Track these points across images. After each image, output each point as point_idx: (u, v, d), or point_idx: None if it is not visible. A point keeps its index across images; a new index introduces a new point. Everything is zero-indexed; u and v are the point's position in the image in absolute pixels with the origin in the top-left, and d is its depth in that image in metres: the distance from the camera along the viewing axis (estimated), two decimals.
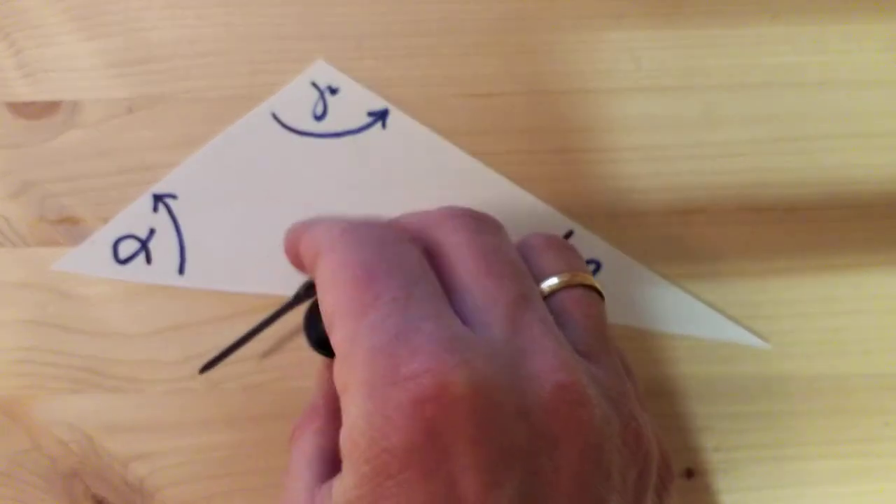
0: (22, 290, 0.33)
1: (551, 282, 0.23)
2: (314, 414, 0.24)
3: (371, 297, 0.20)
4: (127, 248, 0.33)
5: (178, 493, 0.33)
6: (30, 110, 0.34)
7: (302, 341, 0.32)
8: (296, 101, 0.34)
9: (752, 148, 0.34)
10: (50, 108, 0.34)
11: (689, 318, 0.33)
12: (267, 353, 0.33)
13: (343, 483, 0.19)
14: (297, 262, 0.26)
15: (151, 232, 0.33)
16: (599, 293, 0.24)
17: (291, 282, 0.32)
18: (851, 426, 0.33)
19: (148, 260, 0.33)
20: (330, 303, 0.21)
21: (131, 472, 0.33)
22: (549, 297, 0.23)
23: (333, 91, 0.34)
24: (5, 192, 0.34)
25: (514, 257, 0.23)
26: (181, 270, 0.33)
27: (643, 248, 0.33)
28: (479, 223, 0.23)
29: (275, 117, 0.34)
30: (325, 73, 0.34)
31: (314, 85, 0.34)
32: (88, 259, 0.33)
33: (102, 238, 0.33)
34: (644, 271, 0.33)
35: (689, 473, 0.33)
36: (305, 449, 0.23)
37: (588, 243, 0.33)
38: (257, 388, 0.33)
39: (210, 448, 0.33)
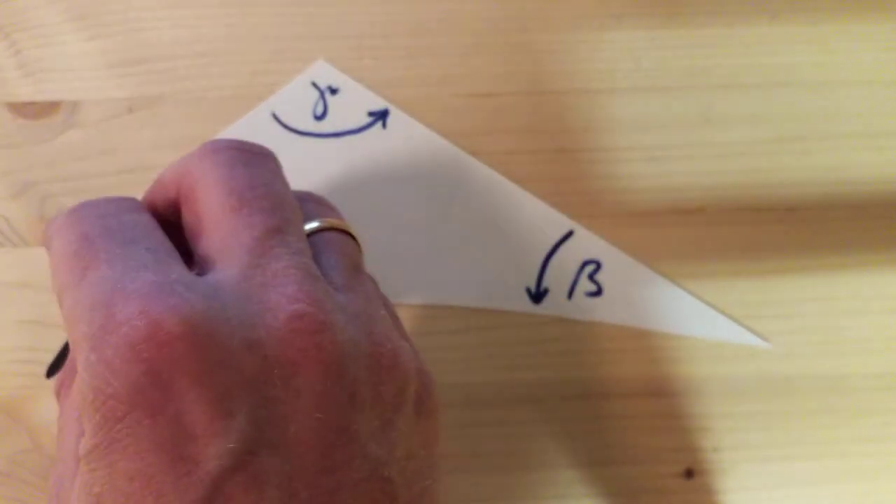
0: (22, 290, 0.33)
1: (310, 225, 0.23)
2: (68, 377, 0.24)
3: (88, 261, 0.20)
4: None
5: None
6: (30, 110, 0.34)
7: None
8: (296, 101, 0.34)
9: (751, 148, 0.34)
10: (50, 108, 0.34)
11: (688, 318, 0.33)
12: None
13: (83, 439, 0.19)
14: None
15: None
16: (355, 239, 0.24)
17: None
18: (851, 426, 0.33)
19: None
20: (56, 284, 0.21)
21: None
22: (312, 235, 0.23)
23: (334, 91, 0.34)
24: (5, 192, 0.34)
25: (275, 189, 0.22)
26: None
27: (643, 248, 0.33)
28: (239, 154, 0.23)
29: (275, 117, 0.34)
30: (325, 73, 0.34)
31: (314, 85, 0.34)
32: None
33: None
34: (644, 271, 0.33)
35: (689, 473, 0.33)
36: (69, 408, 0.22)
37: (588, 243, 0.33)
38: None
39: None
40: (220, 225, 0.21)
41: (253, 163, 0.23)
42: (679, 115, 0.34)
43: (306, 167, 0.33)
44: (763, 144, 0.34)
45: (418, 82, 0.34)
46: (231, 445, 0.18)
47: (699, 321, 0.33)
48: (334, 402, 0.19)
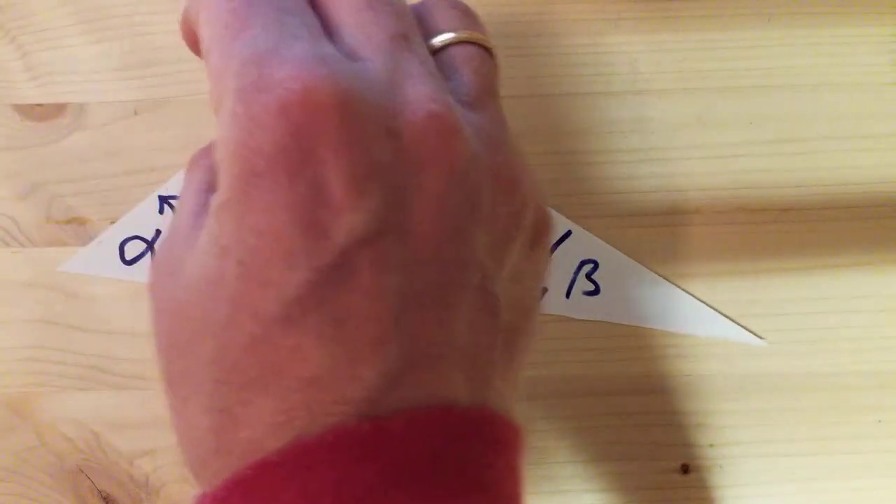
0: (30, 290, 0.34)
1: (444, 37, 0.22)
2: (209, 150, 0.23)
3: (245, 20, 0.19)
4: (133, 249, 0.34)
5: (183, 489, 0.33)
6: (37, 112, 0.34)
7: None
8: None
9: (747, 150, 0.34)
10: (57, 110, 0.34)
11: (685, 317, 0.33)
12: None
13: (218, 191, 0.19)
14: (191, 38, 0.24)
15: (158, 233, 0.33)
16: (492, 55, 0.24)
17: None
18: (845, 423, 0.34)
19: None
20: (206, 37, 0.20)
21: (137, 468, 0.33)
22: (438, 52, 0.22)
23: None
24: (13, 194, 0.34)
25: (397, 2, 0.22)
26: None
27: (640, 248, 0.34)
28: None
29: None
30: None
31: None
32: (95, 260, 0.34)
33: (109, 239, 0.34)
34: (641, 270, 0.34)
35: (685, 469, 0.33)
36: (193, 181, 0.22)
37: (586, 243, 0.34)
38: None
39: None
40: (351, 19, 0.21)
41: None
42: (675, 117, 0.34)
43: None
44: (758, 146, 0.34)
45: None
46: (363, 222, 0.18)
47: (695, 319, 0.33)
48: (455, 205, 0.19)
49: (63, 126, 0.34)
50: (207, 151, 0.23)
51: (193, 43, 0.24)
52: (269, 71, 0.18)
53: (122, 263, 0.33)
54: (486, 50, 0.23)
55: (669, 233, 0.34)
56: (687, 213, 0.34)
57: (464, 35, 0.23)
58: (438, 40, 0.22)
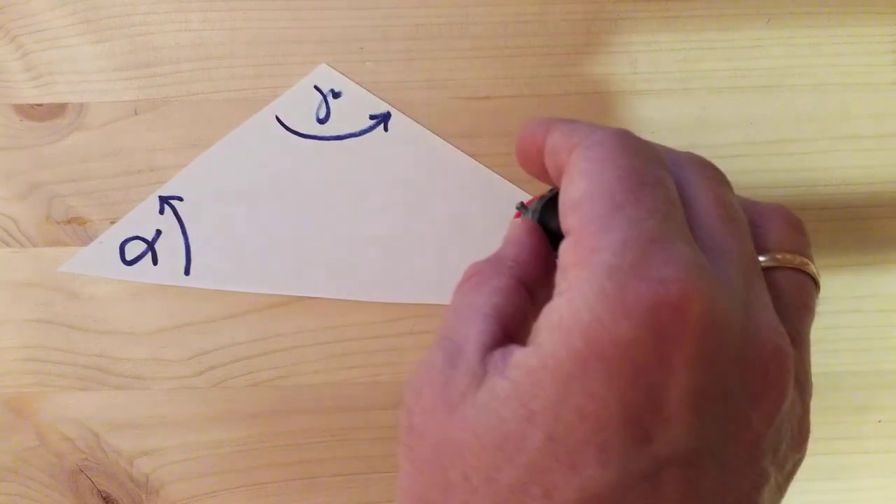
0: (30, 290, 0.34)
1: (777, 257, 0.22)
2: (499, 270, 0.23)
3: (634, 196, 0.19)
4: (133, 250, 0.34)
5: (182, 488, 0.33)
6: (37, 112, 0.34)
7: (305, 339, 0.32)
8: (299, 104, 0.34)
9: (747, 150, 0.34)
10: (56, 110, 0.34)
11: None
12: (270, 351, 0.34)
13: (538, 351, 0.18)
14: (529, 154, 0.25)
15: (158, 233, 0.34)
16: (817, 284, 0.23)
17: (295, 281, 0.33)
18: (845, 423, 0.34)
19: (154, 261, 0.33)
20: (582, 188, 0.20)
21: (136, 468, 0.34)
22: (769, 270, 0.22)
23: (336, 94, 0.34)
24: (13, 194, 0.34)
25: (745, 217, 0.22)
26: (187, 271, 0.33)
27: None
28: (723, 178, 0.23)
29: (279, 120, 0.34)
30: (328, 76, 0.34)
31: (317, 88, 0.34)
32: (96, 260, 0.34)
33: (109, 239, 0.34)
34: None
35: None
36: (480, 301, 0.22)
37: None
38: (261, 385, 0.34)
39: (215, 444, 0.33)
40: (712, 228, 0.21)
41: (730, 188, 0.23)
42: (675, 117, 0.34)
43: (309, 169, 0.34)
44: (758, 146, 0.34)
45: (419, 86, 0.34)
46: (689, 441, 0.18)
47: None
48: (768, 448, 0.19)
49: (63, 126, 0.34)
50: (497, 269, 0.23)
51: (529, 160, 0.24)
52: (651, 261, 0.18)
53: (122, 264, 0.33)
54: (814, 281, 0.23)
55: None
56: None
57: (800, 262, 0.23)
58: (771, 259, 0.22)
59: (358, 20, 0.34)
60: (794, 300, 0.22)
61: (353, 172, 0.34)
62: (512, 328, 0.21)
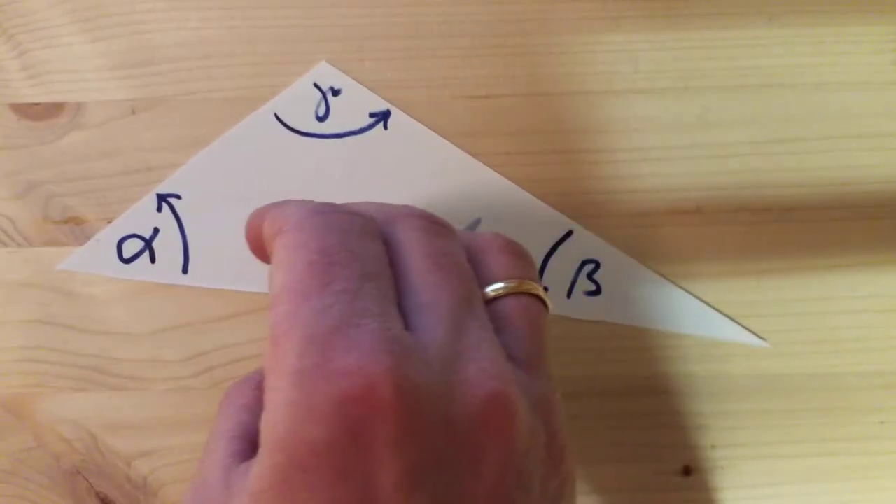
0: (27, 290, 0.34)
1: (496, 287, 0.23)
2: (246, 388, 0.23)
3: (321, 282, 0.19)
4: (131, 248, 0.33)
5: (180, 490, 0.33)
6: (34, 111, 0.34)
7: None
8: (298, 101, 0.34)
9: (748, 149, 0.34)
10: (54, 109, 0.34)
11: (686, 317, 0.33)
12: None
13: (256, 469, 0.18)
14: (256, 244, 0.24)
15: (155, 231, 0.33)
16: (545, 303, 0.24)
17: None
18: (847, 424, 0.34)
19: (152, 259, 0.33)
20: (278, 281, 0.20)
21: (134, 469, 0.33)
22: (493, 301, 0.22)
23: (336, 92, 0.34)
24: (10, 193, 0.34)
25: (461, 261, 0.22)
26: (185, 270, 0.33)
27: (641, 248, 0.34)
28: (433, 225, 0.23)
29: (278, 118, 0.34)
30: (327, 74, 0.34)
31: (316, 86, 0.34)
32: (93, 258, 0.33)
33: (107, 237, 0.33)
34: (642, 270, 0.33)
35: (687, 471, 0.33)
36: (227, 423, 0.22)
37: (587, 243, 0.33)
38: None
39: None
40: (419, 281, 0.21)
41: (444, 234, 0.23)
42: (677, 116, 0.34)
43: (308, 168, 0.34)
44: (760, 145, 0.34)
45: (418, 84, 0.34)
46: None
47: (697, 320, 0.33)
48: (510, 489, 0.19)
49: (60, 125, 0.34)
50: (244, 388, 0.23)
51: (258, 249, 0.24)
52: (332, 355, 0.18)
53: (119, 262, 0.33)
54: (541, 300, 0.23)
55: (671, 233, 0.34)
56: (688, 212, 0.34)
57: (519, 286, 0.23)
58: (492, 290, 0.22)
59: (357, 18, 0.34)
60: (521, 324, 0.22)
61: (353, 170, 0.34)
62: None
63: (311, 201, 0.22)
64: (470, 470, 0.18)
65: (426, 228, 0.22)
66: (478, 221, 0.33)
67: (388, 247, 0.22)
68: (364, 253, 0.20)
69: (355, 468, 0.17)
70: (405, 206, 0.23)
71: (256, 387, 0.23)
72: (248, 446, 0.21)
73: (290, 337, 0.18)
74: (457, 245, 0.23)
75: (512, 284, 0.23)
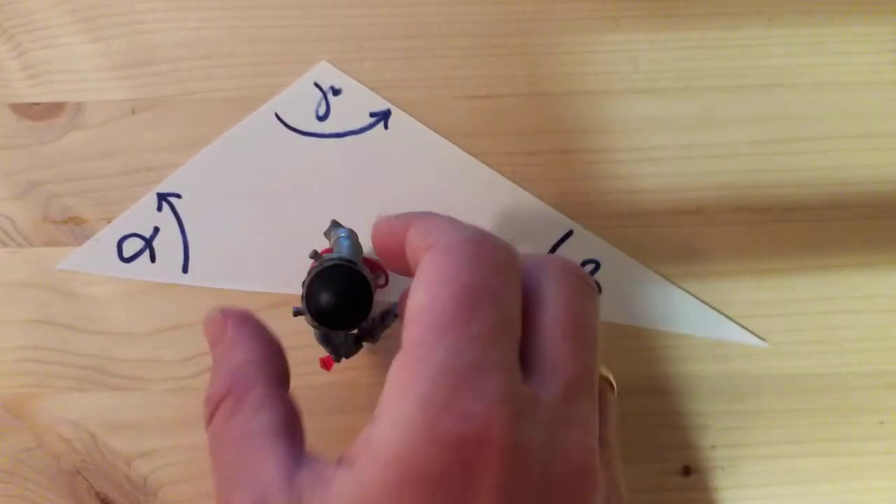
0: (27, 290, 0.34)
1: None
2: (247, 382, 0.23)
3: (462, 319, 0.20)
4: (131, 247, 0.33)
5: (180, 490, 0.33)
6: (34, 111, 0.34)
7: (303, 340, 0.32)
8: (299, 101, 0.34)
9: (748, 149, 0.34)
10: (54, 109, 0.34)
11: (687, 317, 0.33)
12: None
13: (358, 479, 0.19)
14: (391, 250, 0.25)
15: (156, 230, 0.33)
16: (612, 386, 0.26)
17: (294, 280, 0.33)
18: (847, 424, 0.34)
19: (152, 258, 0.33)
20: (421, 302, 0.20)
21: (134, 469, 0.33)
22: None
23: (336, 92, 0.34)
24: (10, 193, 0.34)
25: (597, 333, 0.23)
26: (185, 269, 0.33)
27: (642, 248, 0.34)
28: (583, 286, 0.23)
29: (278, 117, 0.34)
30: (328, 73, 0.34)
31: (317, 86, 0.34)
32: (93, 257, 0.33)
33: (107, 236, 0.33)
34: (643, 270, 0.33)
35: (687, 471, 0.33)
36: (249, 426, 0.22)
37: (587, 243, 0.33)
38: None
39: None
40: (553, 344, 0.21)
41: (589, 298, 0.23)
42: (677, 116, 0.34)
43: (309, 167, 0.34)
44: (760, 145, 0.34)
45: (419, 84, 0.34)
46: None
47: (697, 320, 0.33)
48: None
49: (60, 125, 0.34)
50: (245, 386, 0.23)
51: (391, 256, 0.24)
52: (461, 397, 0.19)
53: (119, 261, 0.33)
54: (610, 384, 0.25)
55: (671, 233, 0.34)
56: (688, 212, 0.34)
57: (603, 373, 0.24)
58: None
59: (357, 18, 0.34)
60: (605, 411, 0.23)
61: (353, 170, 0.34)
62: (298, 437, 0.22)
63: (463, 224, 0.23)
64: None
65: (577, 287, 0.23)
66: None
67: (532, 289, 0.22)
68: (506, 298, 0.21)
69: (458, 497, 0.18)
70: (562, 258, 0.24)
71: (259, 378, 0.23)
72: (291, 447, 0.21)
73: (424, 366, 0.19)
74: (597, 309, 0.23)
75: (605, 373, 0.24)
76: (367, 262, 0.29)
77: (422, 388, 0.19)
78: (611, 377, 0.25)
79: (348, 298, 0.27)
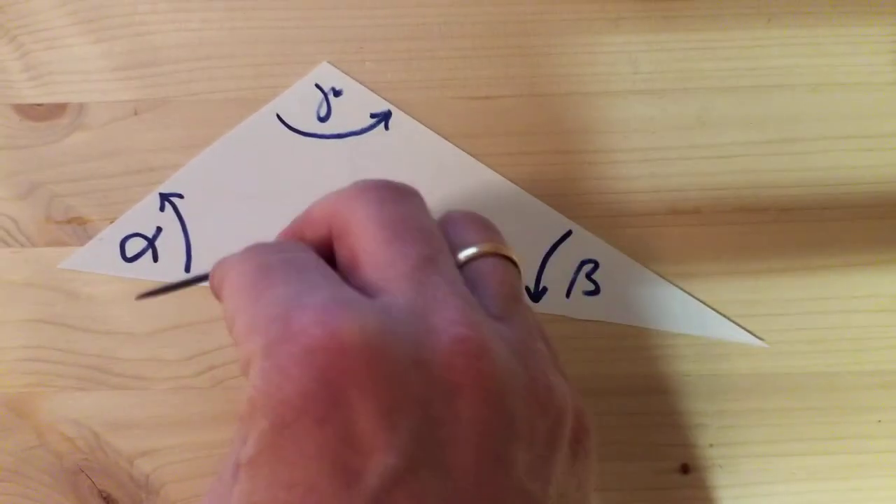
0: (29, 290, 0.34)
1: (468, 251, 0.23)
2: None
3: (265, 284, 0.20)
4: (134, 247, 0.34)
5: (182, 488, 0.33)
6: (36, 112, 0.34)
7: None
8: (300, 102, 0.34)
9: (746, 150, 0.34)
10: (56, 110, 0.34)
11: (685, 317, 0.33)
12: None
13: (245, 447, 0.19)
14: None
15: (158, 230, 0.34)
16: (515, 264, 0.24)
17: None
18: (844, 423, 0.34)
19: (155, 258, 0.33)
20: (230, 307, 0.21)
21: (137, 468, 0.33)
22: (464, 265, 0.23)
23: (337, 93, 0.34)
24: (13, 194, 0.34)
25: (423, 223, 0.23)
26: (187, 268, 0.33)
27: (640, 248, 0.34)
28: (388, 193, 0.23)
29: (279, 118, 0.34)
30: (329, 74, 0.34)
31: (318, 86, 0.34)
32: (96, 257, 0.34)
33: (110, 236, 0.34)
34: (641, 270, 0.34)
35: (685, 469, 0.33)
36: (237, 436, 0.22)
37: (586, 243, 0.34)
38: None
39: (214, 444, 0.33)
40: (375, 256, 0.21)
41: (400, 199, 0.23)
42: (675, 117, 0.34)
43: (310, 167, 0.34)
44: (758, 146, 0.34)
45: (419, 85, 0.34)
46: (393, 461, 0.18)
47: (695, 320, 0.33)
48: (493, 429, 0.19)
49: (63, 126, 0.34)
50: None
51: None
52: (291, 321, 0.18)
53: (122, 261, 0.34)
54: (509, 259, 0.24)
55: (669, 233, 0.34)
56: (687, 213, 0.34)
57: (486, 248, 0.23)
58: (462, 255, 0.23)
59: (358, 20, 0.34)
60: (493, 281, 0.22)
61: (354, 170, 0.34)
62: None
63: (242, 254, 0.23)
64: (448, 411, 0.19)
65: (380, 199, 0.23)
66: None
67: (344, 232, 0.22)
68: (295, 258, 0.21)
69: (334, 413, 0.18)
70: (357, 184, 0.24)
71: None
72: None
73: (255, 329, 0.19)
74: (415, 207, 0.23)
75: (484, 247, 0.23)
76: None
77: (259, 342, 0.19)
78: (512, 255, 0.24)
79: None
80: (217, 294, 0.24)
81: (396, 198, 0.23)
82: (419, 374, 0.19)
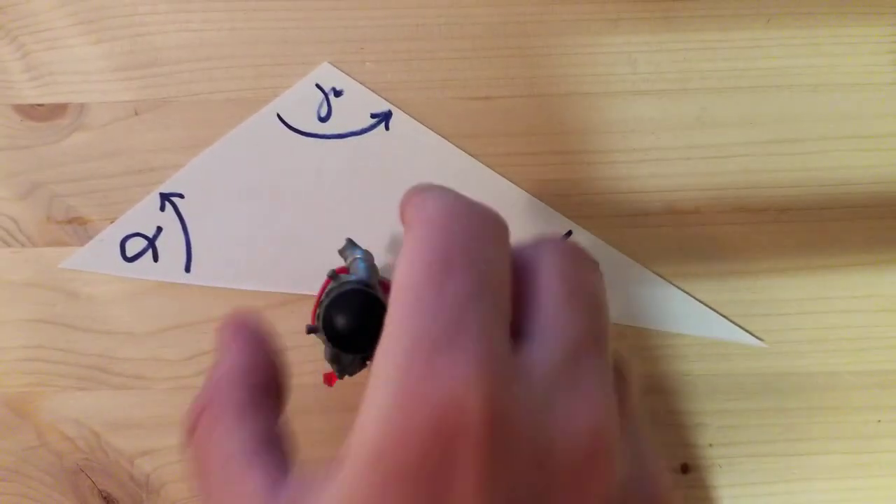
0: (30, 290, 0.34)
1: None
2: (228, 393, 0.22)
3: (436, 283, 0.19)
4: (134, 246, 0.34)
5: (183, 488, 0.33)
6: (37, 112, 0.34)
7: (304, 339, 0.32)
8: (300, 102, 0.34)
9: (746, 150, 0.34)
10: (57, 110, 0.34)
11: (685, 317, 0.34)
12: None
13: (338, 485, 0.18)
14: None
15: (159, 230, 0.34)
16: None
17: (295, 280, 0.33)
18: (844, 423, 0.34)
19: (155, 258, 0.34)
20: (398, 278, 0.19)
21: (137, 467, 0.33)
22: None
23: (338, 93, 0.34)
24: (13, 194, 0.34)
25: (603, 302, 0.21)
26: (187, 268, 0.33)
27: (640, 248, 0.34)
28: (582, 257, 0.22)
29: (280, 118, 0.34)
30: (329, 75, 0.34)
31: (319, 87, 0.34)
32: (97, 256, 0.34)
33: (110, 236, 0.34)
34: (641, 271, 0.34)
35: (685, 469, 0.33)
36: (240, 441, 0.20)
37: (586, 243, 0.34)
38: None
39: None
40: (546, 306, 0.20)
41: (588, 268, 0.22)
42: (675, 117, 0.34)
43: (310, 168, 0.34)
44: (757, 146, 0.34)
45: (419, 86, 0.34)
46: None
47: (695, 320, 0.33)
48: None
49: (63, 126, 0.34)
50: (225, 395, 0.21)
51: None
52: (437, 361, 0.17)
53: (123, 260, 0.34)
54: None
55: (669, 233, 0.34)
56: (687, 213, 0.34)
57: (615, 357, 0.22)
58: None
59: (358, 20, 0.34)
60: (623, 380, 0.21)
61: (354, 170, 0.34)
62: (280, 453, 0.20)
63: (449, 194, 0.22)
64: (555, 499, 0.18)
65: (574, 258, 0.21)
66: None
67: (527, 266, 0.21)
68: (487, 260, 0.20)
69: (438, 477, 0.17)
70: (554, 237, 0.23)
71: (243, 386, 0.22)
72: (279, 457, 0.20)
73: (397, 342, 0.18)
74: (599, 281, 0.22)
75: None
76: (383, 284, 0.29)
77: (395, 347, 0.18)
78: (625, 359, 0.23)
79: (365, 324, 0.27)
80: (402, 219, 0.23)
81: (590, 266, 0.22)
82: (536, 477, 0.18)
